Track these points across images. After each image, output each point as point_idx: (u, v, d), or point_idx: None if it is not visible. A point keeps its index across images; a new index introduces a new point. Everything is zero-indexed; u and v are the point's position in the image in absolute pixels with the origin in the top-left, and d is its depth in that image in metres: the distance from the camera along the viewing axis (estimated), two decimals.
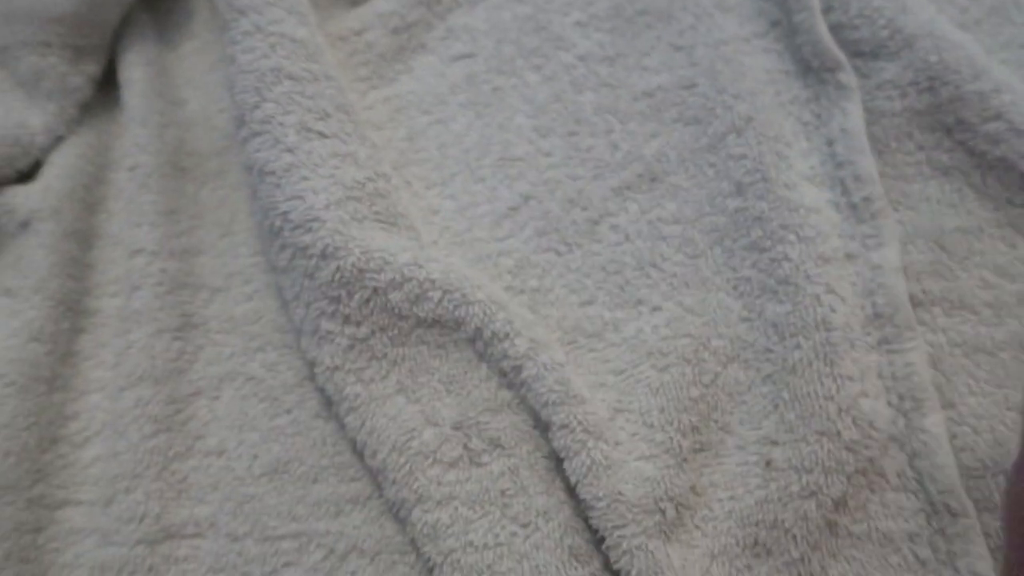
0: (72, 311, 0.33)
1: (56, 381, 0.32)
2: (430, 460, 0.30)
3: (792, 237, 0.32)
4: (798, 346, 0.30)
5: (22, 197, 0.34)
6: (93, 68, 0.37)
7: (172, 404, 0.32)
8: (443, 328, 0.31)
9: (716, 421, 0.31)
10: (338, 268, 0.31)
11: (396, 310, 0.31)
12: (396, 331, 0.31)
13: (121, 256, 0.34)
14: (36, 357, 0.31)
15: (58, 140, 0.36)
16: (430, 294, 0.30)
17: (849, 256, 0.32)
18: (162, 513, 0.30)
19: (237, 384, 0.33)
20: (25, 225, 0.33)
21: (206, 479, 0.31)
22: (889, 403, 0.30)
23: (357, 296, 0.31)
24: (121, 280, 0.34)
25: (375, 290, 0.31)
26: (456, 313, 0.31)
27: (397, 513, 0.30)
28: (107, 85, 0.38)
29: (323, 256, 0.31)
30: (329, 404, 0.32)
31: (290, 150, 0.33)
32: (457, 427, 0.30)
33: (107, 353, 0.33)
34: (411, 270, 0.31)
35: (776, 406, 0.30)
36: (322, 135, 0.33)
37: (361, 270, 0.31)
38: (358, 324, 0.31)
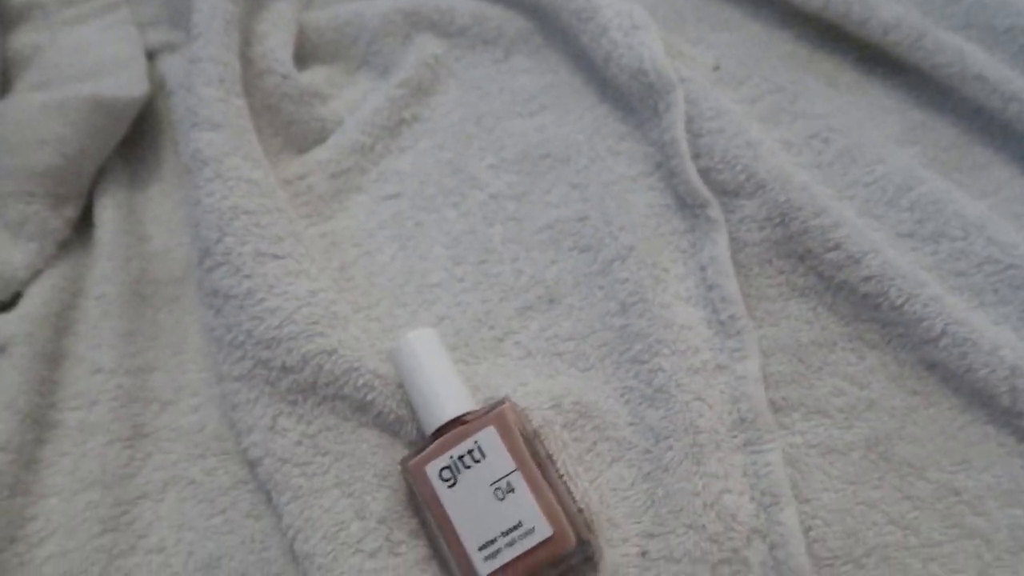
0: (38, 423, 0.38)
1: (18, 486, 0.36)
2: (353, 550, 0.34)
3: (666, 351, 0.36)
4: (670, 447, 0.34)
5: (1, 324, 0.39)
6: (71, 212, 0.42)
7: (119, 506, 0.36)
8: (381, 431, 0.36)
9: (604, 515, 0.34)
10: (294, 381, 0.36)
11: (342, 414, 0.36)
12: (340, 431, 0.36)
13: (84, 374, 0.39)
14: (1, 465, 0.36)
15: (37, 274, 0.41)
16: (369, 398, 0.36)
17: (719, 367, 0.37)
18: None
19: (179, 488, 0.37)
20: (2, 350, 0.38)
21: (147, 575, 0.35)
22: (752, 499, 0.34)
23: (310, 401, 0.36)
24: (82, 395, 0.38)
25: (324, 398, 0.36)
26: (389, 419, 0.36)
27: None
28: (82, 223, 0.44)
29: (283, 369, 0.36)
30: (258, 504, 0.36)
31: (248, 276, 0.38)
32: (382, 521, 0.34)
33: (66, 461, 0.37)
34: (354, 380, 0.35)
35: (653, 502, 0.34)
36: (276, 256, 0.38)
37: (313, 383, 0.36)
38: (309, 423, 0.36)
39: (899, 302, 0.36)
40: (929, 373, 0.36)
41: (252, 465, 0.37)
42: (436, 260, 0.41)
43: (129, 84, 0.44)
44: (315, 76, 0.46)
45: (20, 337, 0.38)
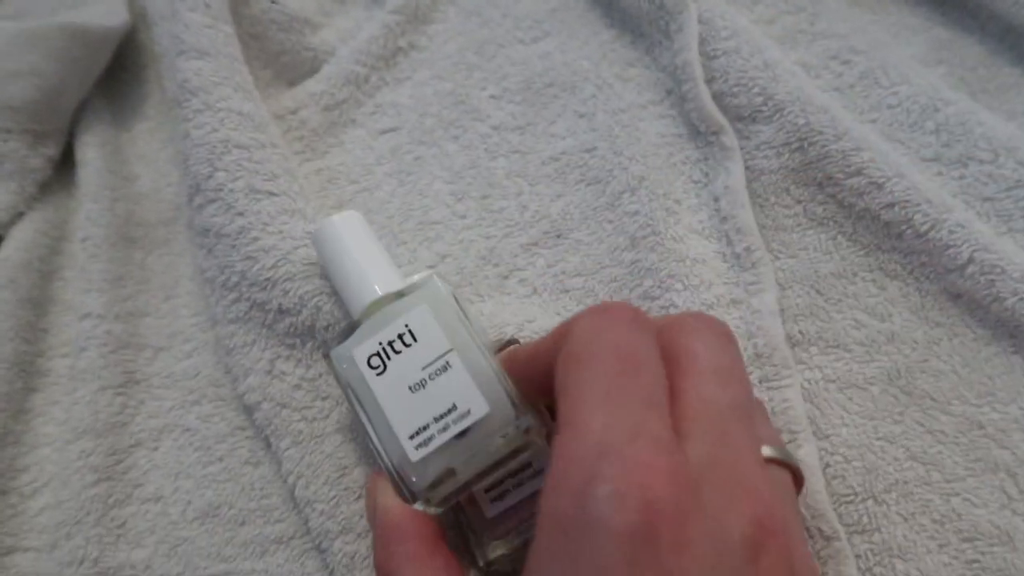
0: (26, 372, 0.36)
1: (9, 437, 0.35)
2: (356, 495, 0.33)
3: (679, 286, 0.35)
4: None
5: None
6: (52, 150, 0.40)
7: (113, 455, 0.35)
8: None
9: None
10: (292, 324, 0.35)
11: None
12: None
13: (72, 320, 0.37)
14: None
15: (18, 216, 0.39)
16: None
17: (734, 302, 0.35)
18: (100, 557, 0.33)
19: (175, 435, 0.36)
20: None
21: (143, 524, 0.34)
22: None
23: (309, 344, 0.35)
24: (71, 342, 0.37)
25: (323, 340, 0.34)
26: None
27: (320, 544, 0.32)
28: (65, 164, 0.42)
29: (280, 311, 0.35)
30: (257, 451, 0.35)
31: (241, 213, 0.36)
32: None
33: (57, 410, 0.36)
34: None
35: None
36: (271, 194, 0.36)
37: (311, 326, 0.34)
38: (308, 366, 0.35)
39: (924, 229, 0.34)
40: (953, 303, 0.34)
41: (250, 411, 0.35)
42: (437, 196, 0.39)
43: (107, 14, 0.41)
44: (305, 3, 0.44)
45: (3, 282, 0.37)
